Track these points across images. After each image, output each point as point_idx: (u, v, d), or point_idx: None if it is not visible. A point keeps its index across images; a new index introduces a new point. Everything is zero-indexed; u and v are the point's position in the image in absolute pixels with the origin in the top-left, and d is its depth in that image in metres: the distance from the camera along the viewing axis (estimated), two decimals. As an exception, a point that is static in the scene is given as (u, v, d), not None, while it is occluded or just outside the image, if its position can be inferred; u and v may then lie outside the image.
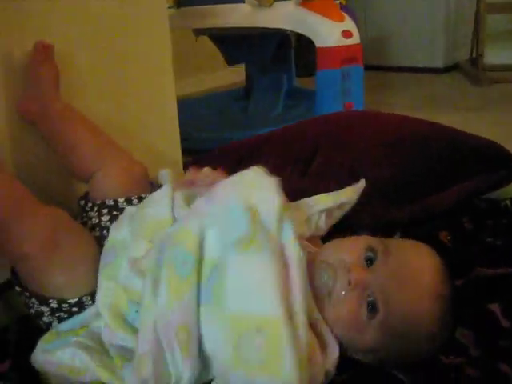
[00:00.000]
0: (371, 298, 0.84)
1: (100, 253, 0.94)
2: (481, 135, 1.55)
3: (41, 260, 0.88)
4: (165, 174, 1.09)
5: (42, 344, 0.89)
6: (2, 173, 1.02)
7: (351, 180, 1.23)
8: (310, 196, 1.07)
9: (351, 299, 0.84)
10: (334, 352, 0.84)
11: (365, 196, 1.15)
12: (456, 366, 0.89)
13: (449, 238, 1.19)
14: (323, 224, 1.04)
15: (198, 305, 0.80)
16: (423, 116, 1.63)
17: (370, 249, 0.88)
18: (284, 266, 0.81)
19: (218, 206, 0.88)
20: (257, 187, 0.89)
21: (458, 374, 0.87)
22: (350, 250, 0.90)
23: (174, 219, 0.94)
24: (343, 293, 0.85)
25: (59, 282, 0.89)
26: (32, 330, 0.96)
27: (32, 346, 0.90)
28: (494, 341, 0.94)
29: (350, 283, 0.85)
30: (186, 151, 1.52)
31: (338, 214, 1.08)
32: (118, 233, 0.95)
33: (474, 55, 3.77)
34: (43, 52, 1.09)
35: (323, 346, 0.83)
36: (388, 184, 1.32)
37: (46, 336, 0.90)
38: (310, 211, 1.02)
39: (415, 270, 0.87)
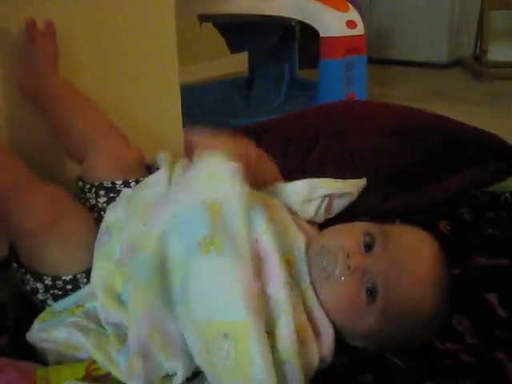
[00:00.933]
0: (370, 283, 0.84)
1: (97, 232, 0.94)
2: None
3: (41, 235, 0.89)
4: (162, 157, 1.08)
5: (38, 323, 0.88)
6: (2, 149, 1.02)
7: (351, 169, 1.24)
8: None
9: (350, 284, 0.84)
10: (329, 338, 0.84)
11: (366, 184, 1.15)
12: (451, 352, 0.89)
13: (448, 227, 1.19)
14: (323, 210, 1.04)
15: (171, 306, 0.80)
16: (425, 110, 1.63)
17: (368, 234, 0.88)
18: (258, 259, 0.80)
19: (179, 205, 0.85)
20: (219, 178, 0.85)
21: (453, 360, 0.87)
22: (348, 235, 0.90)
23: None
24: (342, 278, 0.85)
25: (55, 257, 0.89)
26: (30, 307, 0.95)
27: (29, 322, 0.90)
28: (490, 329, 0.94)
29: (349, 268, 0.84)
30: (186, 138, 1.51)
31: (337, 206, 1.06)
32: (114, 214, 0.95)
33: (478, 51, 3.77)
34: (33, 29, 1.08)
35: (318, 333, 0.83)
36: (388, 173, 1.32)
37: (42, 315, 0.90)
38: (312, 194, 1.01)
39: (414, 256, 0.88)
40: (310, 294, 0.86)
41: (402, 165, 1.35)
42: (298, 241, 0.90)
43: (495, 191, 1.43)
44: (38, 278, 0.91)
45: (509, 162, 1.48)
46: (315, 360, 0.80)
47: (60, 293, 0.91)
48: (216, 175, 0.86)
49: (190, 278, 0.78)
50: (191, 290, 0.77)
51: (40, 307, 0.93)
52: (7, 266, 1.01)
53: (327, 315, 0.85)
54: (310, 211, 1.01)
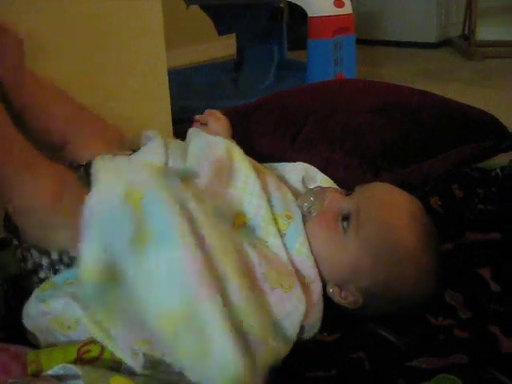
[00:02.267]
0: (346, 212, 0.90)
1: None
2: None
3: (50, 213, 0.87)
4: (152, 133, 1.07)
5: (38, 292, 0.87)
6: (11, 127, 0.97)
7: (341, 145, 1.23)
8: None
9: (327, 214, 0.92)
10: (317, 287, 0.88)
11: (356, 159, 1.15)
12: (445, 327, 0.89)
13: (439, 203, 1.19)
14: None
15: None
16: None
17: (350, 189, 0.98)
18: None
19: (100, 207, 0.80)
20: (128, 169, 0.82)
21: (447, 335, 0.87)
22: (331, 188, 1.01)
23: (168, 167, 0.96)
24: (319, 211, 0.92)
25: (63, 236, 0.87)
26: (20, 291, 0.95)
27: (19, 307, 0.89)
28: (483, 304, 0.94)
29: (324, 202, 0.92)
30: (175, 121, 1.51)
31: None
32: None
33: (467, 31, 3.76)
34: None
35: (305, 282, 0.87)
36: (377, 149, 1.32)
37: (42, 285, 0.88)
38: (308, 181, 1.09)
39: (391, 196, 0.95)
40: (304, 248, 0.90)
41: (391, 141, 1.35)
42: (293, 202, 0.96)
43: (486, 167, 1.42)
44: (45, 252, 0.89)
45: (499, 139, 1.47)
46: (301, 308, 0.83)
47: (64, 269, 0.90)
48: (126, 166, 0.83)
49: (134, 283, 0.77)
50: (138, 294, 0.77)
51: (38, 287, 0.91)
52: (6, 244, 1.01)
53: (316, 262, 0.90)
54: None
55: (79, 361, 0.77)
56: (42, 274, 0.91)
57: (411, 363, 0.82)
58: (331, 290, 0.90)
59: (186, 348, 0.74)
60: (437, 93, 1.61)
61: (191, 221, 0.78)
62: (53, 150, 1.09)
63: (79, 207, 0.89)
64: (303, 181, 1.07)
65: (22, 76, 1.07)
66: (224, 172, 0.93)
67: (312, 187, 1.02)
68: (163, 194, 0.77)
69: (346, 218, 0.90)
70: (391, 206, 0.92)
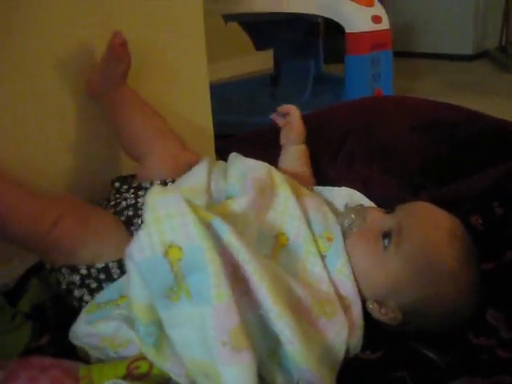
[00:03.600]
0: (386, 229, 0.92)
1: (123, 227, 0.98)
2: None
3: (75, 238, 0.92)
4: (204, 159, 1.10)
5: (85, 315, 0.89)
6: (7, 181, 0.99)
7: (380, 165, 1.24)
8: (337, 184, 1.13)
9: (367, 231, 0.93)
10: (357, 307, 0.89)
11: (395, 179, 1.16)
12: (487, 347, 0.89)
13: (480, 221, 1.19)
14: None
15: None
16: (451, 102, 1.62)
17: (390, 207, 0.98)
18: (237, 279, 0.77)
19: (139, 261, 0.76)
20: (167, 215, 0.76)
21: (489, 355, 0.87)
22: (371, 207, 1.03)
23: (210, 189, 0.99)
24: (360, 228, 0.94)
25: (90, 255, 0.92)
26: (68, 307, 0.98)
27: (68, 322, 0.91)
28: (525, 324, 0.94)
29: (365, 220, 0.94)
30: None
31: None
32: None
33: (504, 43, 3.74)
34: (121, 49, 1.10)
35: (346, 304, 0.88)
36: (417, 168, 1.33)
37: (88, 308, 0.91)
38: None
39: (432, 214, 0.96)
40: (346, 269, 0.90)
41: (429, 160, 1.35)
42: (334, 223, 0.96)
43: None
44: (74, 269, 0.93)
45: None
46: (344, 328, 0.84)
47: (95, 285, 0.93)
48: (165, 209, 0.76)
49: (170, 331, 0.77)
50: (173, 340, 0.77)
51: (78, 307, 0.95)
52: (44, 267, 1.04)
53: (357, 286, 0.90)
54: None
55: (129, 376, 0.79)
56: (76, 293, 0.94)
57: (453, 383, 0.82)
58: (371, 306, 0.90)
59: None
60: (473, 107, 1.60)
61: (234, 272, 0.76)
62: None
63: (100, 228, 0.94)
64: (346, 206, 1.07)
65: (119, 90, 1.15)
66: (266, 192, 0.94)
67: (353, 206, 1.03)
68: (205, 257, 0.73)
69: (386, 235, 0.91)
70: (431, 224, 0.93)
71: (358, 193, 1.10)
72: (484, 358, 0.87)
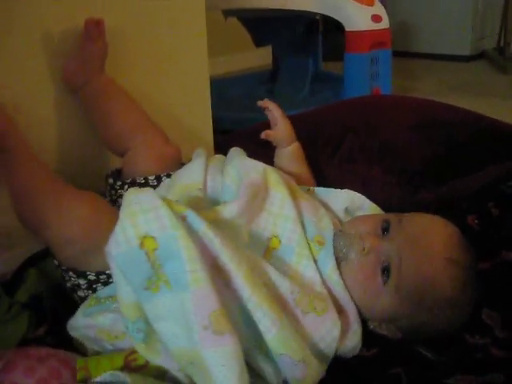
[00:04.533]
0: (385, 263, 0.88)
1: None
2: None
3: (86, 243, 0.89)
4: (200, 151, 1.10)
5: (84, 308, 0.90)
6: (35, 161, 1.00)
7: (380, 164, 1.24)
8: (336, 183, 1.11)
9: (366, 264, 0.89)
10: (352, 313, 0.88)
11: (394, 177, 1.16)
12: (482, 345, 0.90)
13: (476, 221, 1.19)
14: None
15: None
16: (449, 102, 1.63)
17: (386, 221, 0.93)
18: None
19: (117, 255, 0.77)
20: (141, 210, 0.77)
21: (483, 354, 0.88)
22: (366, 222, 0.96)
23: (206, 185, 0.99)
24: (358, 258, 0.90)
25: (99, 262, 0.87)
26: (66, 297, 0.98)
27: (66, 313, 0.92)
28: (520, 323, 0.95)
29: (363, 249, 0.89)
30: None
31: None
32: None
33: (502, 44, 3.75)
34: (96, 29, 1.10)
35: (341, 309, 0.88)
36: (417, 168, 1.33)
37: (87, 302, 0.91)
38: (354, 210, 1.07)
39: (427, 235, 0.92)
40: (335, 275, 0.90)
41: (428, 159, 1.36)
42: (328, 228, 0.94)
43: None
44: (82, 274, 0.91)
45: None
46: (335, 329, 0.83)
47: (102, 287, 0.92)
48: (139, 205, 0.77)
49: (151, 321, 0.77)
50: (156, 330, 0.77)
51: (79, 302, 0.94)
52: (43, 258, 1.04)
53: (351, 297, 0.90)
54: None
55: (126, 368, 0.79)
56: (81, 293, 0.93)
57: (448, 381, 0.83)
58: (372, 326, 0.91)
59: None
60: (470, 107, 1.61)
61: (213, 264, 0.77)
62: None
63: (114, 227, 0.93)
64: (346, 210, 1.05)
65: (98, 79, 1.13)
66: (259, 196, 0.93)
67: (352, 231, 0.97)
68: (179, 244, 0.74)
69: (385, 269, 0.88)
70: (430, 254, 0.89)
71: (359, 195, 1.07)
72: (478, 356, 0.88)
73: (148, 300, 0.75)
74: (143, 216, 0.75)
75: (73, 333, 0.89)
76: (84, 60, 1.12)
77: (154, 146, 1.11)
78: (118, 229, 0.76)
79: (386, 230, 0.92)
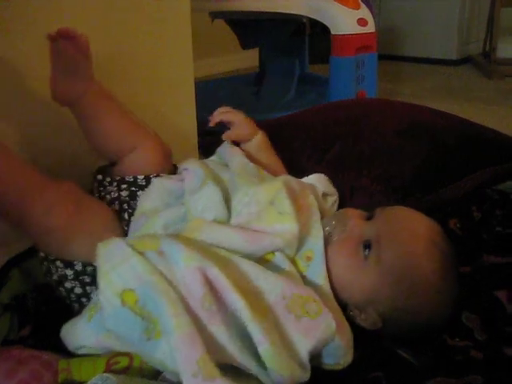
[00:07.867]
0: (367, 239, 0.91)
1: (118, 222, 0.98)
2: (491, 127, 1.56)
3: (67, 231, 0.89)
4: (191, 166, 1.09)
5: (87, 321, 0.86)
6: (13, 157, 0.96)
7: (368, 170, 1.25)
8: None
9: (348, 241, 0.93)
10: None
11: (382, 185, 1.17)
12: (461, 348, 0.91)
13: (458, 225, 1.20)
14: (336, 207, 1.14)
15: None
16: (435, 106, 1.63)
17: (370, 211, 0.98)
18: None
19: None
20: (112, 267, 0.79)
21: (463, 356, 0.89)
22: (352, 212, 1.00)
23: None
24: (341, 237, 0.93)
25: (83, 250, 0.89)
26: (49, 298, 0.98)
27: (50, 313, 0.93)
28: (499, 326, 0.96)
29: (346, 228, 0.94)
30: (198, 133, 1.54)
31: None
32: (149, 202, 0.99)
33: (487, 49, 3.77)
34: (78, 40, 1.03)
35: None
36: (404, 175, 1.33)
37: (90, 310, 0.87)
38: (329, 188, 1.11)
39: (411, 220, 0.96)
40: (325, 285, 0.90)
41: (417, 166, 1.36)
42: (318, 237, 0.94)
43: (505, 189, 1.43)
44: (69, 264, 0.92)
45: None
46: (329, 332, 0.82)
47: (89, 280, 0.93)
48: (109, 259, 0.80)
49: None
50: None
51: (66, 296, 0.95)
52: (26, 258, 1.04)
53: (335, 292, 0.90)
54: (327, 204, 1.09)
55: (108, 372, 0.79)
56: (67, 285, 0.94)
57: (428, 382, 0.83)
58: (351, 313, 0.90)
59: None
60: (456, 111, 1.62)
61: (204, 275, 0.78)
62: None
63: (96, 220, 0.94)
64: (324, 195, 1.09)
65: (91, 87, 1.08)
66: (264, 216, 0.92)
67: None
68: (157, 289, 0.75)
69: (367, 245, 0.91)
70: (411, 233, 0.92)
71: (325, 178, 1.14)
72: (458, 358, 0.89)
73: (155, 349, 0.75)
74: (115, 272, 0.77)
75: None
76: (71, 70, 1.05)
77: (153, 146, 1.10)
78: (99, 293, 0.77)
79: (370, 218, 0.97)
